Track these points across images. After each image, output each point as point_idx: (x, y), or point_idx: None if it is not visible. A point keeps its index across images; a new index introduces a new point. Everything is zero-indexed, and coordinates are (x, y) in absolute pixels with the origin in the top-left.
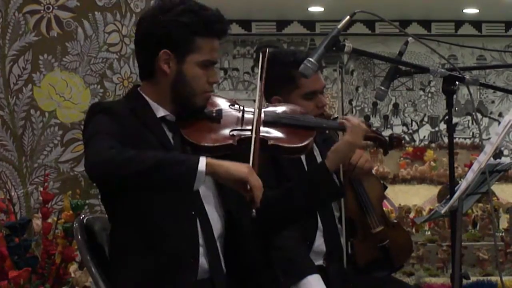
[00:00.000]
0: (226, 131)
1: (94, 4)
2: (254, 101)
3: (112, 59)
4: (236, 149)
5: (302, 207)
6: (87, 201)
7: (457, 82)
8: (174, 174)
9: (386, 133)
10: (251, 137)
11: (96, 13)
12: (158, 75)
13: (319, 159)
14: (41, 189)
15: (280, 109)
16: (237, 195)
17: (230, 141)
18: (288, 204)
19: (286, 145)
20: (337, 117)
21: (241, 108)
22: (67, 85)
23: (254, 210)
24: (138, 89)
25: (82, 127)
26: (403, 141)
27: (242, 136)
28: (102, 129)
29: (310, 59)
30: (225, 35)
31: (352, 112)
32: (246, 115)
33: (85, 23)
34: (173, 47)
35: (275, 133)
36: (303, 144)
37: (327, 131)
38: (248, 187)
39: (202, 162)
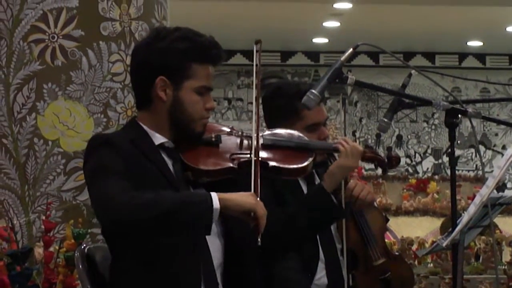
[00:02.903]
0: (226, 155)
1: (99, 33)
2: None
3: (116, 89)
4: (237, 172)
5: (304, 230)
6: (89, 230)
7: (459, 115)
8: (192, 215)
9: None
10: (251, 160)
11: (100, 42)
12: (155, 103)
13: None
14: (43, 217)
15: (278, 133)
16: (240, 224)
17: (231, 164)
18: (291, 227)
19: (286, 166)
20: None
21: (240, 133)
22: (70, 114)
23: (259, 240)
24: (136, 119)
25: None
26: (400, 161)
27: (243, 159)
28: (108, 166)
29: (313, 91)
30: (220, 61)
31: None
32: (245, 140)
33: (90, 53)
34: (170, 73)
35: (274, 155)
36: (303, 165)
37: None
38: (254, 215)
39: (215, 199)
